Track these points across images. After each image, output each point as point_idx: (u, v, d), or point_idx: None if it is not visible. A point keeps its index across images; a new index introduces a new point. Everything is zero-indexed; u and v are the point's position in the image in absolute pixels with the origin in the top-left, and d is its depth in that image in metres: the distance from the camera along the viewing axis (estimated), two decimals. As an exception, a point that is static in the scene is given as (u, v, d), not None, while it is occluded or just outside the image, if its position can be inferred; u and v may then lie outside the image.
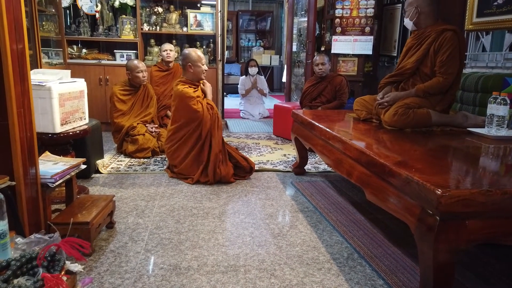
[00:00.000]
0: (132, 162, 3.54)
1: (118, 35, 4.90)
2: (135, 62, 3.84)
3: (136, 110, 3.92)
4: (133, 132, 3.71)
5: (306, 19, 5.73)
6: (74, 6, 4.82)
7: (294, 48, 6.68)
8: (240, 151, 3.46)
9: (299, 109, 4.22)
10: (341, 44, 4.74)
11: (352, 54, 4.74)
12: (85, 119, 2.66)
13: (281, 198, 2.75)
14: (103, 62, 4.85)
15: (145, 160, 3.63)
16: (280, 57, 10.22)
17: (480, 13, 3.19)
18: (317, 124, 2.66)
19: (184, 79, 3.17)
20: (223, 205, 2.61)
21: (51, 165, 2.03)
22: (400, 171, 1.54)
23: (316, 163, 3.69)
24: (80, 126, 2.58)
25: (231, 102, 7.54)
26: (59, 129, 2.35)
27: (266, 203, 2.65)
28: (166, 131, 3.36)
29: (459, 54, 2.48)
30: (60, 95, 2.33)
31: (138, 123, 3.80)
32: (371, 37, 4.62)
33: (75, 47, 4.89)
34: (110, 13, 4.95)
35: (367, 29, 4.62)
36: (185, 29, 5.08)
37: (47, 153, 2.24)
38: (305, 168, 3.38)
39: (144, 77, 3.87)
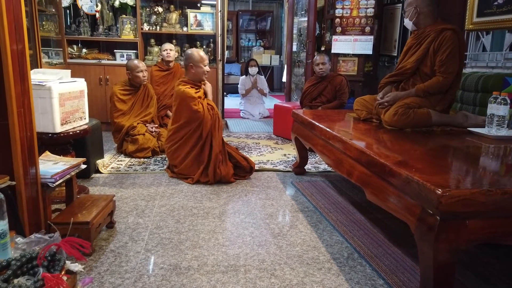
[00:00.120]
0: (132, 162, 3.54)
1: (118, 35, 4.90)
2: (135, 62, 3.84)
3: (136, 110, 3.92)
4: (133, 132, 3.71)
5: (306, 19, 5.73)
6: (74, 6, 4.82)
7: (294, 48, 6.68)
8: (240, 151, 3.46)
9: (299, 109, 4.22)
10: (341, 44, 4.73)
11: (352, 54, 4.74)
12: (85, 119, 2.66)
13: (281, 198, 2.75)
14: (103, 62, 4.85)
15: (145, 160, 3.63)
16: (280, 57, 10.22)
17: (480, 13, 3.19)
18: (317, 124, 2.66)
19: (186, 79, 3.17)
20: (223, 205, 2.61)
21: (51, 165, 2.03)
22: (400, 171, 1.54)
23: (316, 163, 3.69)
24: (80, 126, 2.58)
25: (231, 102, 7.54)
26: (59, 129, 2.35)
27: (266, 203, 2.65)
28: (166, 131, 3.36)
29: (459, 53, 2.48)
30: (60, 95, 2.33)
31: (138, 123, 3.80)
32: (371, 37, 4.62)
33: (75, 47, 4.88)
34: (110, 13, 4.95)
35: (367, 29, 4.62)
36: (185, 29, 5.08)
37: (47, 153, 2.24)
38: (305, 168, 3.38)
39: (144, 77, 3.86)
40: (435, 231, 1.33)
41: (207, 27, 5.10)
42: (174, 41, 5.13)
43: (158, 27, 5.02)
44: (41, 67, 3.48)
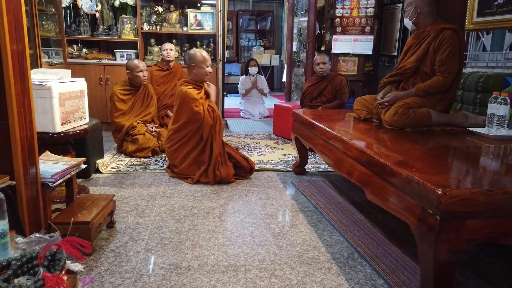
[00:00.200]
0: (132, 162, 3.54)
1: (118, 35, 4.90)
2: (135, 61, 3.84)
3: (136, 109, 3.92)
4: (133, 132, 3.71)
5: (306, 18, 5.73)
6: (74, 5, 4.82)
7: (294, 48, 6.68)
8: (240, 151, 3.46)
9: (299, 108, 4.22)
10: (342, 44, 4.73)
11: (353, 54, 4.74)
12: (85, 118, 2.66)
13: (281, 198, 2.75)
14: (103, 61, 4.85)
15: (145, 159, 3.63)
16: (280, 57, 10.22)
17: (480, 12, 3.19)
18: (317, 123, 2.66)
19: (188, 80, 3.17)
20: (223, 204, 2.61)
21: (51, 165, 2.03)
22: (401, 171, 1.54)
23: (316, 162, 3.69)
24: (80, 125, 2.58)
25: (231, 102, 7.54)
26: (59, 128, 2.35)
27: (266, 202, 2.65)
28: (167, 131, 3.36)
29: (459, 53, 2.48)
30: (61, 94, 2.33)
31: (138, 123, 3.80)
32: (371, 37, 4.62)
33: (75, 46, 4.88)
34: (110, 13, 4.95)
35: (367, 28, 4.62)
36: (185, 28, 5.08)
37: (48, 152, 2.24)
38: (305, 167, 3.38)
39: (145, 76, 3.86)
40: (435, 231, 1.33)
41: (207, 27, 5.10)
42: (174, 41, 5.12)
43: (158, 27, 5.02)
44: (41, 67, 3.48)
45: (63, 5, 4.60)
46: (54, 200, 2.48)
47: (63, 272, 1.28)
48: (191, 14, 5.05)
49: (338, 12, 4.69)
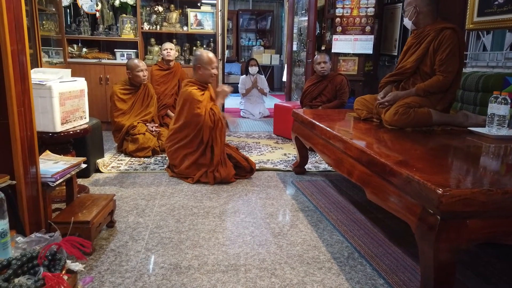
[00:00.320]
0: (132, 161, 3.54)
1: (119, 34, 4.90)
2: (136, 61, 3.84)
3: (137, 109, 3.92)
4: (133, 131, 3.71)
5: (306, 18, 5.73)
6: (75, 5, 4.82)
7: (295, 48, 6.68)
8: (240, 151, 3.46)
9: (300, 108, 4.21)
10: (342, 44, 4.73)
11: (353, 54, 4.73)
12: (85, 118, 2.66)
13: (281, 198, 2.75)
14: (104, 61, 4.85)
15: (146, 159, 3.63)
16: (280, 57, 10.21)
17: (480, 12, 3.19)
18: (317, 123, 2.66)
19: (193, 80, 3.16)
20: (224, 204, 2.61)
21: (51, 164, 2.02)
22: (401, 171, 1.54)
23: (316, 162, 3.69)
24: (81, 125, 2.58)
25: (231, 102, 7.53)
26: (59, 128, 2.35)
27: (266, 202, 2.65)
28: (167, 130, 3.35)
29: (459, 52, 2.47)
30: (61, 94, 2.33)
31: (138, 122, 3.80)
32: (372, 37, 4.62)
33: (75, 46, 4.88)
34: (111, 12, 4.95)
35: (368, 28, 4.62)
36: (185, 28, 5.08)
37: (48, 152, 2.24)
38: (305, 167, 3.38)
39: (145, 76, 3.86)
40: (435, 230, 1.33)
41: (207, 27, 5.09)
42: (174, 40, 5.12)
43: (158, 27, 5.02)
44: (41, 67, 3.47)
45: (63, 5, 4.60)
46: (54, 200, 2.48)
47: (64, 272, 1.28)
48: (191, 13, 5.04)
49: (339, 11, 4.69)
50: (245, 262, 1.87)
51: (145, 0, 5.06)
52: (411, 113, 2.43)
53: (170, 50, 4.32)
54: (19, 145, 1.59)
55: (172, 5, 5.08)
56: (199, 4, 5.18)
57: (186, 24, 5.07)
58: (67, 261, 1.33)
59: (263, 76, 6.64)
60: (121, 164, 3.46)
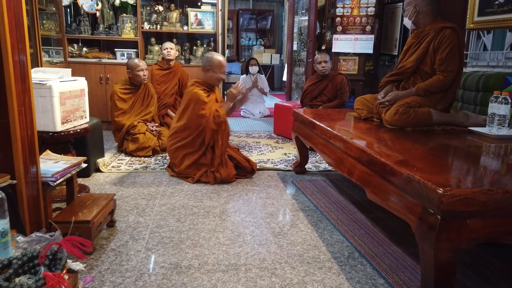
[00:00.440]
0: (132, 161, 3.54)
1: (119, 34, 4.90)
2: (136, 60, 3.84)
3: (137, 108, 3.92)
4: (133, 131, 3.71)
5: (306, 17, 5.72)
6: (75, 4, 4.82)
7: (295, 47, 6.68)
8: (240, 150, 3.46)
9: (300, 108, 4.22)
10: (342, 43, 4.73)
11: (353, 53, 4.73)
12: (85, 117, 2.66)
13: (281, 197, 2.75)
14: (104, 60, 4.85)
15: (146, 159, 3.63)
16: (280, 56, 10.21)
17: (481, 12, 3.18)
18: (318, 123, 2.66)
19: (200, 81, 3.16)
20: (224, 204, 2.61)
21: (52, 164, 2.02)
22: (401, 170, 1.54)
23: (316, 162, 3.69)
24: (81, 124, 2.58)
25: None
26: (59, 127, 2.35)
27: (266, 202, 2.65)
28: (168, 130, 3.35)
29: (459, 52, 2.47)
30: (61, 93, 2.33)
31: (138, 122, 3.80)
32: (372, 36, 4.62)
33: (75, 45, 4.88)
34: (111, 12, 4.95)
35: (368, 28, 4.61)
36: (185, 27, 5.08)
37: (48, 151, 2.24)
38: (305, 167, 3.38)
39: (145, 75, 3.86)
40: (436, 230, 1.33)
41: (208, 26, 5.09)
42: (174, 40, 5.12)
43: (158, 26, 5.02)
44: (41, 66, 3.47)
45: (63, 4, 4.60)
46: (55, 199, 2.48)
47: (64, 271, 1.28)
48: (192, 13, 5.04)
49: (339, 11, 4.69)
50: (246, 261, 1.87)
51: (145, 0, 5.06)
52: (411, 112, 2.43)
53: (171, 49, 4.32)
54: (20, 145, 1.60)
55: (173, 5, 5.07)
56: (199, 4, 5.17)
57: (187, 24, 5.07)
58: (68, 260, 1.33)
59: (263, 75, 6.63)
60: (122, 163, 3.46)
